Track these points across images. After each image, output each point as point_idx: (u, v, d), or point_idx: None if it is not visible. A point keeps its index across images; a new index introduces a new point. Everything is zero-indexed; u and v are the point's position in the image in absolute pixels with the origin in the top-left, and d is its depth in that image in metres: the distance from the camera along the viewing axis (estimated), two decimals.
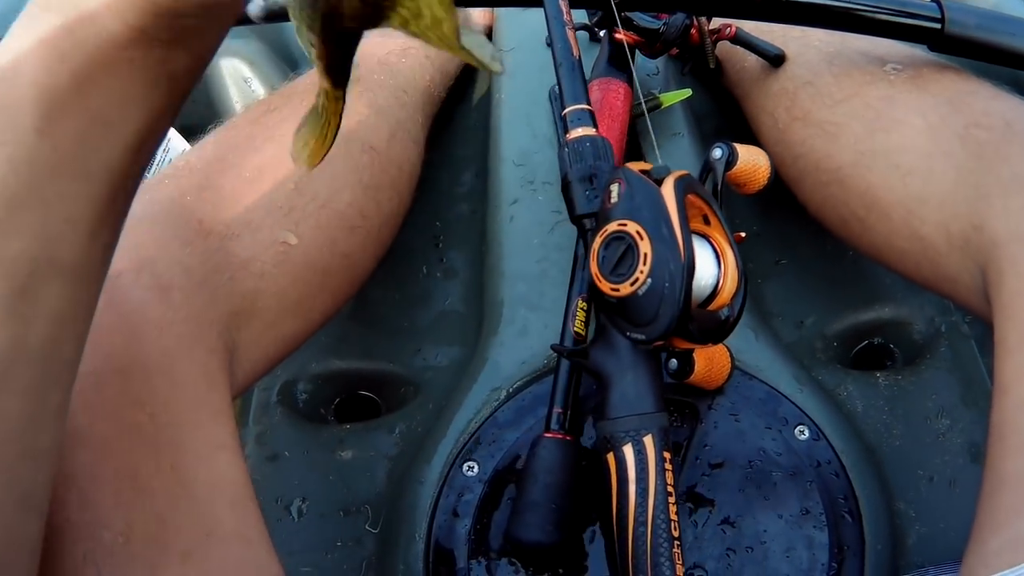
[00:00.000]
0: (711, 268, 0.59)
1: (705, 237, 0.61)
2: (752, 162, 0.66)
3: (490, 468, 0.71)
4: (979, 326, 0.82)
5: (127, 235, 0.55)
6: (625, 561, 0.58)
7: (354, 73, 0.71)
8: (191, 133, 0.85)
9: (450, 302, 0.85)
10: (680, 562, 0.58)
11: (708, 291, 0.59)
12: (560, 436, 0.66)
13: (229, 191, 0.64)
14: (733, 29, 0.80)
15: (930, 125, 0.66)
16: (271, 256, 0.64)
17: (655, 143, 0.82)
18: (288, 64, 1.06)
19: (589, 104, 0.67)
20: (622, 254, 0.57)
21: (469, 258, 0.87)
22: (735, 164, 0.66)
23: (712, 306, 0.60)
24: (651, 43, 0.80)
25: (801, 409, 0.72)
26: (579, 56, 0.68)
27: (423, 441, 0.75)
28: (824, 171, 0.73)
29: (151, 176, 0.81)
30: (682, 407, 0.72)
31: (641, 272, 0.56)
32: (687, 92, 0.84)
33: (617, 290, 0.57)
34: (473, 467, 0.71)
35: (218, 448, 0.55)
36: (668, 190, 0.58)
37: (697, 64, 0.87)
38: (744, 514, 0.68)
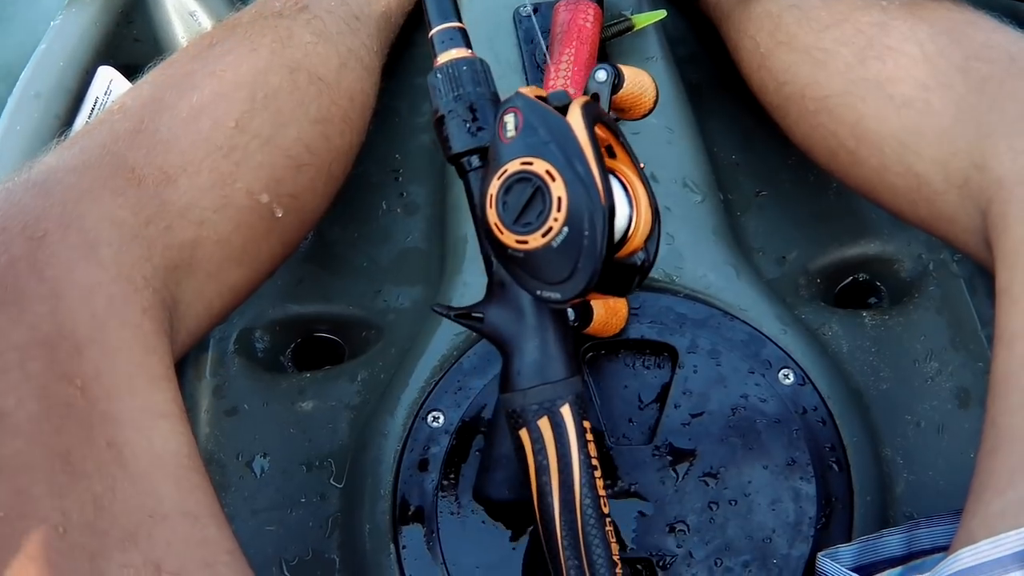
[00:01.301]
0: (623, 209, 0.53)
1: (612, 172, 0.54)
2: (638, 85, 0.59)
3: (456, 418, 0.67)
4: (968, 265, 0.78)
5: (53, 189, 0.54)
6: (554, 547, 0.53)
7: (303, 1, 0.65)
8: (134, 72, 0.80)
9: (411, 239, 0.81)
10: (613, 540, 0.54)
11: (620, 235, 0.53)
12: None
13: (165, 134, 0.60)
14: None
15: (927, 55, 0.63)
16: (211, 201, 0.60)
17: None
18: None
19: (460, 21, 0.59)
20: (529, 199, 0.49)
21: (431, 192, 0.82)
22: (621, 87, 0.58)
23: (624, 251, 0.54)
24: None
25: (785, 351, 0.69)
26: None
27: (385, 390, 0.72)
28: (811, 99, 0.69)
29: (89, 121, 0.77)
30: (660, 350, 0.69)
31: (555, 220, 0.48)
32: (662, 13, 0.79)
33: (525, 242, 0.49)
34: (438, 417, 0.67)
35: (158, 417, 0.51)
36: (576, 120, 0.50)
37: None
38: (727, 465, 0.65)
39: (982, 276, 0.78)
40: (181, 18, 0.92)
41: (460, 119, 0.57)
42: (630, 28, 0.79)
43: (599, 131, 0.53)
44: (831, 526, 0.64)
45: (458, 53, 0.59)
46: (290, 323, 0.79)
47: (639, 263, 0.55)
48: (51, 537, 0.44)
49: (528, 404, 0.54)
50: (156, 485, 0.49)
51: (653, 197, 0.55)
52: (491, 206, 0.51)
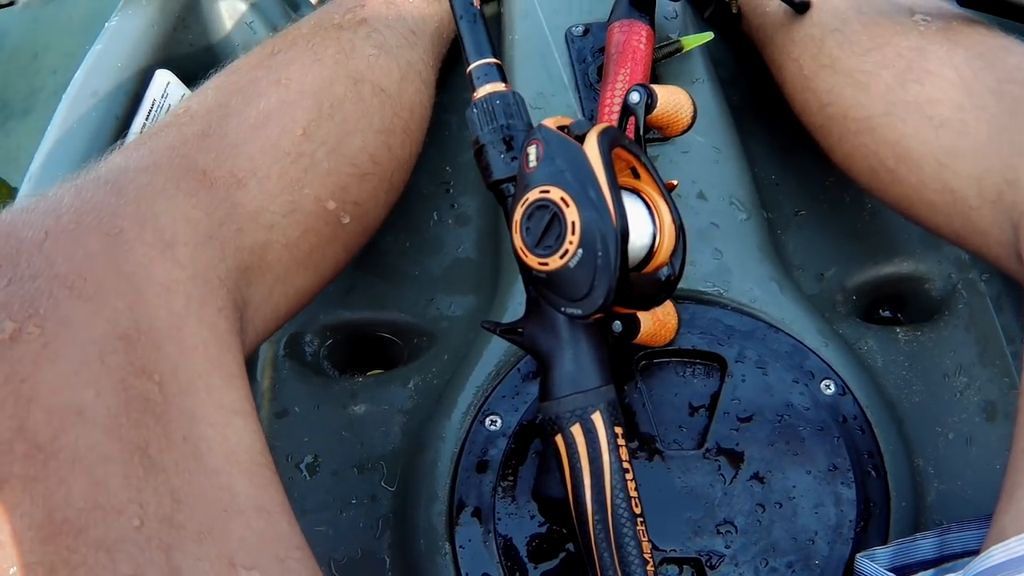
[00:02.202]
0: (645, 227, 0.57)
1: (635, 192, 0.58)
2: (673, 104, 0.63)
3: (513, 421, 0.69)
4: (995, 284, 0.81)
5: (126, 187, 0.54)
6: (589, 546, 0.56)
7: (361, 12, 0.67)
8: (190, 79, 0.81)
9: (463, 249, 0.83)
10: (646, 539, 0.56)
11: (644, 252, 0.57)
12: None
13: (233, 138, 0.61)
14: None
15: (963, 78, 0.65)
16: (280, 206, 0.61)
17: None
18: (290, 6, 1.02)
19: (495, 57, 0.62)
20: (547, 224, 0.53)
21: (481, 204, 0.84)
22: (655, 107, 0.62)
23: (650, 267, 0.57)
24: None
25: (827, 363, 0.71)
26: (480, 6, 0.64)
27: (442, 394, 0.73)
28: (853, 120, 0.71)
29: (149, 124, 0.78)
30: (709, 359, 0.71)
31: (570, 243, 0.52)
32: (709, 35, 0.81)
33: (546, 264, 0.53)
34: (496, 421, 0.69)
35: (233, 414, 0.52)
36: (592, 147, 0.53)
37: (715, 8, 0.84)
38: (773, 469, 0.67)
39: (1008, 295, 0.80)
40: (237, 26, 0.93)
41: (496, 150, 0.60)
42: (679, 50, 0.81)
43: (621, 154, 0.57)
44: (869, 529, 0.66)
45: (493, 88, 0.61)
46: (342, 328, 0.81)
47: (664, 278, 0.58)
48: (127, 529, 0.44)
49: (562, 412, 0.57)
50: (231, 480, 0.49)
51: (677, 215, 0.58)
52: (516, 231, 0.55)
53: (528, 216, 0.54)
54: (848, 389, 0.70)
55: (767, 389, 0.70)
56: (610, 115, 0.74)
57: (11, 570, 0.42)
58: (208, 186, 0.58)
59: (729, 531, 0.66)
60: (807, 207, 0.86)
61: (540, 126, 0.56)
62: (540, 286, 0.55)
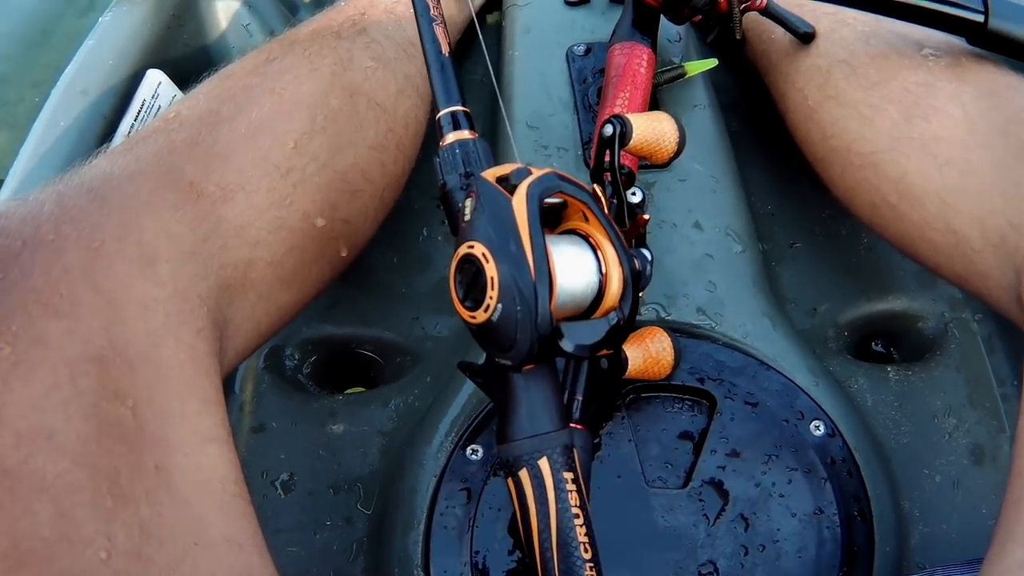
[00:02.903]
0: (587, 273, 0.56)
1: (584, 237, 0.57)
2: (653, 132, 0.62)
3: (495, 454, 0.67)
4: (987, 324, 0.80)
5: (109, 197, 0.52)
6: None
7: (361, 21, 0.65)
8: (183, 80, 0.80)
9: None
10: None
11: (591, 297, 0.56)
12: (576, 427, 0.63)
13: (223, 148, 0.59)
14: (763, 0, 0.76)
15: (969, 117, 0.64)
16: (267, 222, 0.59)
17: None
18: (289, 9, 1.00)
19: (463, 105, 0.61)
20: (473, 278, 0.53)
21: None
22: (630, 138, 0.61)
23: (598, 312, 0.56)
24: (678, 8, 0.75)
25: (817, 403, 0.70)
26: (449, 54, 0.62)
27: (423, 419, 0.71)
28: (856, 154, 0.70)
29: (138, 126, 0.76)
30: (700, 396, 0.70)
31: (491, 298, 0.52)
32: (713, 62, 0.80)
33: (474, 317, 0.53)
34: (477, 451, 0.67)
35: (207, 441, 0.51)
36: (519, 199, 0.53)
37: (719, 33, 0.83)
38: (758, 511, 0.66)
39: (1000, 337, 0.80)
40: (233, 28, 0.91)
41: (458, 198, 0.59)
42: (682, 75, 0.79)
43: (570, 201, 0.56)
44: (853, 574, 0.65)
45: (457, 136, 0.60)
46: (324, 344, 0.79)
47: (610, 324, 0.56)
48: (94, 562, 0.43)
49: (511, 456, 0.56)
50: (203, 511, 0.48)
51: (627, 257, 0.56)
52: (452, 285, 0.54)
53: (459, 270, 0.54)
54: (837, 430, 0.69)
55: (756, 428, 0.68)
56: None
57: None
58: (194, 199, 0.56)
59: (711, 573, 0.64)
60: (802, 239, 0.85)
61: (477, 177, 0.55)
62: (475, 337, 0.55)
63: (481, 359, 0.68)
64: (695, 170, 0.77)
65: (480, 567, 0.64)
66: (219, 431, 0.52)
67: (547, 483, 0.55)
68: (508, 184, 0.54)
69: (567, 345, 0.54)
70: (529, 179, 0.54)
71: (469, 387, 0.70)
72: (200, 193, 0.57)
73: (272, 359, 0.77)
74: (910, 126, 0.67)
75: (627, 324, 0.57)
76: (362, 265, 0.81)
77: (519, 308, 0.51)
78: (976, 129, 0.64)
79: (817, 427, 0.69)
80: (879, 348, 0.85)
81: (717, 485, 0.67)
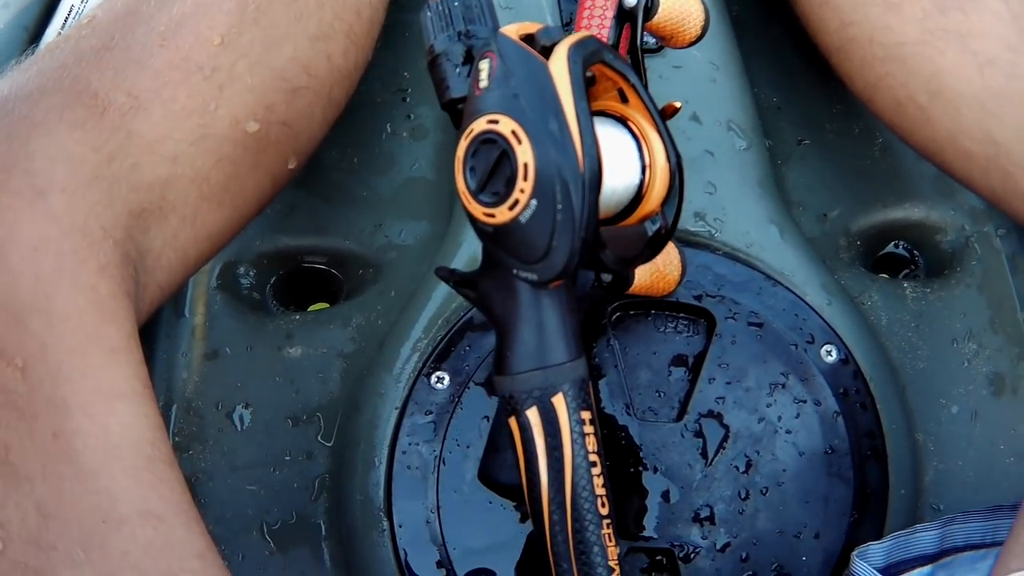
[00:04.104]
0: (630, 167, 0.47)
1: (621, 121, 0.48)
2: (680, 8, 0.53)
3: (463, 382, 0.60)
4: (1011, 241, 0.74)
5: (1, 121, 0.46)
6: (545, 548, 0.48)
7: None
8: None
9: (417, 167, 0.73)
10: (612, 543, 0.47)
11: (628, 198, 0.47)
12: None
13: (138, 52, 0.52)
14: None
15: (1015, 14, 0.58)
16: (187, 132, 0.52)
17: None
18: None
19: None
20: (495, 164, 0.43)
21: (442, 116, 0.73)
22: (655, 12, 0.52)
23: (634, 218, 0.48)
24: None
25: (829, 325, 0.63)
26: None
27: (383, 342, 0.65)
28: (880, 45, 0.63)
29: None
30: (697, 315, 0.63)
31: (522, 191, 0.42)
32: None
33: (492, 216, 0.43)
34: (443, 379, 0.61)
35: (115, 399, 0.45)
36: (559, 64, 0.43)
37: None
38: (762, 449, 0.60)
39: None
40: None
41: (452, 62, 0.49)
42: None
43: (606, 73, 0.47)
44: (864, 520, 0.60)
45: None
46: (279, 257, 0.72)
47: (651, 232, 0.48)
48: None
49: (517, 391, 0.47)
50: (111, 483, 0.43)
51: (673, 150, 0.48)
52: (459, 171, 0.44)
53: (472, 152, 0.44)
54: (851, 356, 0.63)
55: (760, 353, 0.62)
56: (589, 21, 0.63)
57: None
58: (99, 113, 0.50)
59: (707, 518, 0.59)
60: (811, 136, 0.78)
61: (498, 34, 0.45)
62: (488, 241, 0.46)
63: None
64: (692, 56, 0.69)
65: (448, 514, 0.59)
66: (131, 384, 0.46)
67: (562, 425, 0.47)
68: (536, 45, 0.45)
69: (608, 258, 0.45)
70: (568, 40, 0.44)
71: (434, 303, 0.63)
72: (107, 106, 0.50)
73: (225, 277, 0.70)
74: (944, 17, 0.60)
75: (668, 234, 0.49)
76: (318, 167, 0.73)
77: (560, 206, 0.42)
78: (1022, 28, 0.58)
79: (829, 352, 0.62)
80: (903, 252, 0.78)
81: (716, 418, 0.61)
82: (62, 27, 0.71)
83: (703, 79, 0.70)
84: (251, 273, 0.71)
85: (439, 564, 0.58)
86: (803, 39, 0.71)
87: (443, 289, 0.63)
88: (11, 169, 0.45)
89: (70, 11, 0.71)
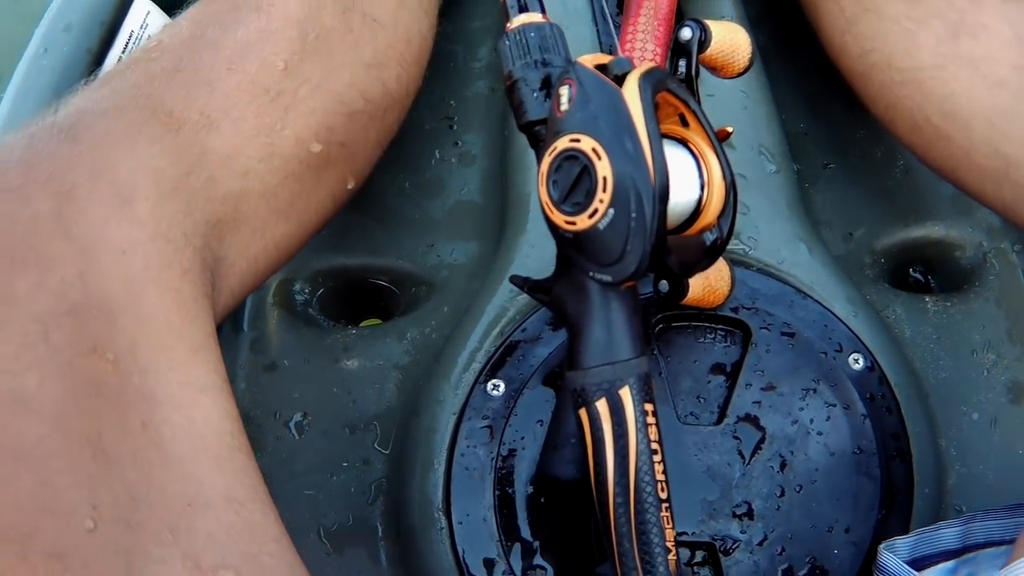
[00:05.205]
0: (691, 183, 0.52)
1: (683, 143, 0.53)
2: (729, 42, 0.57)
3: (518, 388, 0.64)
4: None
5: (82, 136, 0.48)
6: (608, 530, 0.51)
7: None
8: (171, 8, 0.76)
9: (466, 191, 0.77)
10: (670, 526, 0.51)
11: (689, 211, 0.52)
12: None
13: (207, 74, 0.55)
14: None
15: (1020, 37, 0.61)
16: (256, 150, 0.55)
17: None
18: None
19: None
20: (576, 178, 0.48)
21: (488, 143, 0.78)
22: (708, 45, 0.56)
23: (693, 229, 0.53)
24: None
25: (856, 335, 0.66)
26: None
27: (441, 353, 0.68)
28: (898, 70, 0.66)
29: (122, 58, 0.72)
30: (734, 326, 0.66)
31: (601, 201, 0.47)
32: None
33: (573, 223, 0.48)
34: (499, 385, 0.64)
35: (199, 392, 0.47)
36: (631, 91, 0.48)
37: None
38: (796, 450, 0.63)
39: None
40: None
41: (529, 87, 0.53)
42: None
43: (668, 99, 0.51)
44: (890, 517, 0.63)
45: (528, 18, 0.55)
46: (334, 275, 0.75)
47: (708, 242, 0.53)
48: (80, 534, 0.40)
49: (588, 384, 0.51)
50: (197, 469, 0.45)
51: (729, 170, 0.53)
52: (542, 184, 0.50)
53: (556, 167, 0.49)
54: (877, 364, 0.66)
55: (792, 361, 0.65)
56: (631, 51, 0.68)
57: None
58: (175, 129, 0.52)
59: (745, 514, 0.62)
60: (836, 160, 0.81)
61: (575, 64, 0.50)
62: (567, 247, 0.51)
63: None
64: (724, 84, 0.72)
65: (505, 512, 0.62)
66: (212, 379, 0.48)
67: (627, 415, 0.51)
68: (609, 74, 0.50)
69: (672, 263, 0.50)
70: (639, 70, 0.49)
71: (488, 317, 0.67)
72: (182, 123, 0.53)
73: (281, 293, 0.73)
74: (957, 43, 0.63)
75: (724, 244, 0.53)
76: (372, 191, 0.77)
77: (634, 215, 0.47)
78: None
79: (856, 360, 0.65)
80: (916, 275, 0.82)
81: (753, 421, 0.64)
82: (123, 51, 0.73)
83: (735, 106, 0.73)
84: (306, 290, 0.74)
85: (496, 560, 0.60)
86: (823, 70, 0.75)
87: (496, 303, 0.66)
88: (96, 180, 0.47)
89: (130, 36, 0.74)
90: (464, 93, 0.81)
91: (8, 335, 0.41)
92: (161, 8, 0.76)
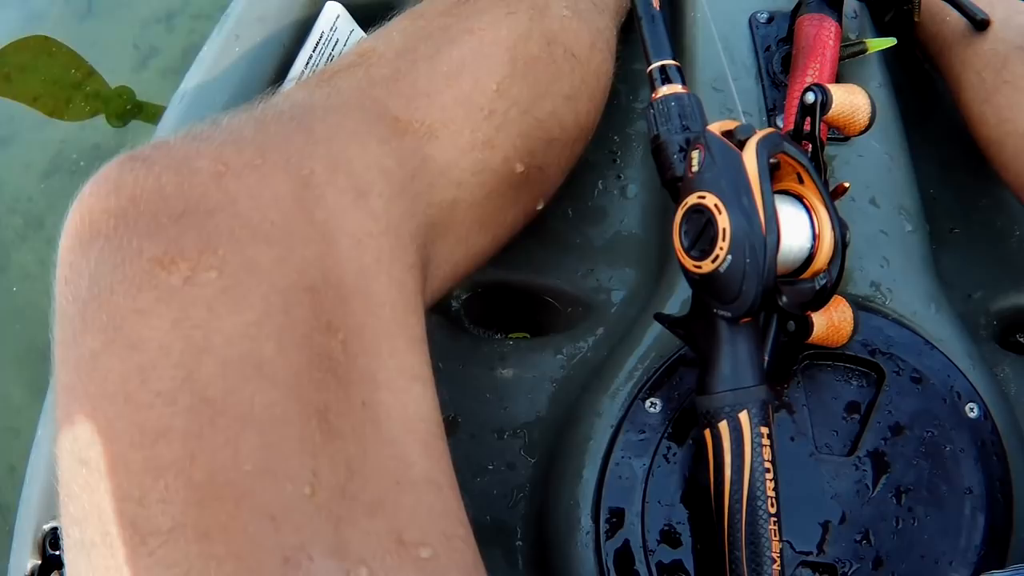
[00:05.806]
0: (803, 233, 0.59)
1: (798, 198, 0.60)
2: (850, 104, 0.63)
3: (674, 408, 0.69)
4: None
5: (315, 127, 0.52)
6: (722, 537, 0.58)
7: None
8: (357, 18, 0.81)
9: (626, 223, 0.82)
10: (776, 539, 0.58)
11: (802, 258, 0.59)
12: None
13: (424, 86, 0.59)
14: None
15: None
16: (470, 163, 0.60)
17: None
18: None
19: (673, 59, 0.63)
20: (702, 229, 0.56)
21: (647, 179, 0.83)
22: (830, 108, 0.63)
23: (807, 273, 0.60)
24: None
25: (973, 386, 0.72)
26: (660, 7, 0.65)
27: (602, 368, 0.73)
28: None
29: (316, 58, 0.76)
30: (869, 368, 0.71)
31: (721, 249, 0.55)
32: (892, 40, 0.80)
33: (699, 267, 0.57)
34: (656, 404, 0.69)
35: (413, 380, 0.50)
36: (750, 154, 0.56)
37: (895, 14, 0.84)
38: (915, 486, 0.68)
39: None
40: None
41: (671, 150, 0.61)
42: (863, 51, 0.80)
43: (787, 160, 0.59)
44: (990, 555, 0.67)
45: (670, 89, 0.63)
46: (495, 288, 0.80)
47: (818, 286, 0.60)
48: (297, 498, 0.42)
49: (713, 407, 0.59)
50: (406, 451, 0.47)
51: (838, 223, 0.59)
52: (676, 233, 0.58)
53: (686, 219, 0.57)
54: (989, 414, 0.71)
55: (918, 404, 0.70)
56: (791, 109, 0.74)
57: (156, 533, 0.40)
58: (400, 134, 0.56)
59: (863, 541, 0.67)
60: (960, 225, 0.87)
61: (705, 131, 0.58)
62: (696, 287, 0.59)
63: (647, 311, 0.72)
64: (872, 147, 0.78)
65: (651, 519, 0.66)
66: (424, 370, 0.52)
67: (745, 436, 0.58)
68: (734, 139, 0.57)
69: (784, 301, 0.58)
70: (757, 136, 0.57)
71: (648, 340, 0.72)
72: (406, 129, 0.57)
73: (440, 301, 0.77)
74: None
75: (833, 288, 0.60)
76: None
77: (748, 260, 0.54)
78: None
79: (971, 409, 0.71)
80: (1021, 340, 0.87)
81: (879, 456, 0.69)
82: (314, 49, 0.78)
83: (881, 167, 0.78)
84: (462, 298, 0.79)
85: (640, 566, 0.65)
86: (954, 136, 0.81)
87: (655, 329, 0.71)
88: (334, 171, 0.50)
89: (320, 36, 0.78)
90: (627, 130, 0.86)
91: (250, 303, 0.44)
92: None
